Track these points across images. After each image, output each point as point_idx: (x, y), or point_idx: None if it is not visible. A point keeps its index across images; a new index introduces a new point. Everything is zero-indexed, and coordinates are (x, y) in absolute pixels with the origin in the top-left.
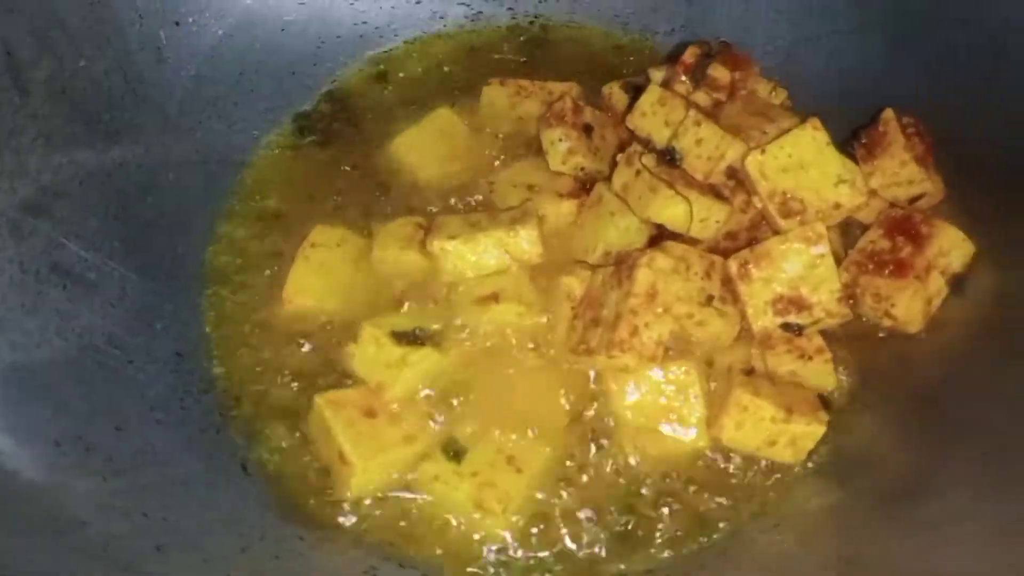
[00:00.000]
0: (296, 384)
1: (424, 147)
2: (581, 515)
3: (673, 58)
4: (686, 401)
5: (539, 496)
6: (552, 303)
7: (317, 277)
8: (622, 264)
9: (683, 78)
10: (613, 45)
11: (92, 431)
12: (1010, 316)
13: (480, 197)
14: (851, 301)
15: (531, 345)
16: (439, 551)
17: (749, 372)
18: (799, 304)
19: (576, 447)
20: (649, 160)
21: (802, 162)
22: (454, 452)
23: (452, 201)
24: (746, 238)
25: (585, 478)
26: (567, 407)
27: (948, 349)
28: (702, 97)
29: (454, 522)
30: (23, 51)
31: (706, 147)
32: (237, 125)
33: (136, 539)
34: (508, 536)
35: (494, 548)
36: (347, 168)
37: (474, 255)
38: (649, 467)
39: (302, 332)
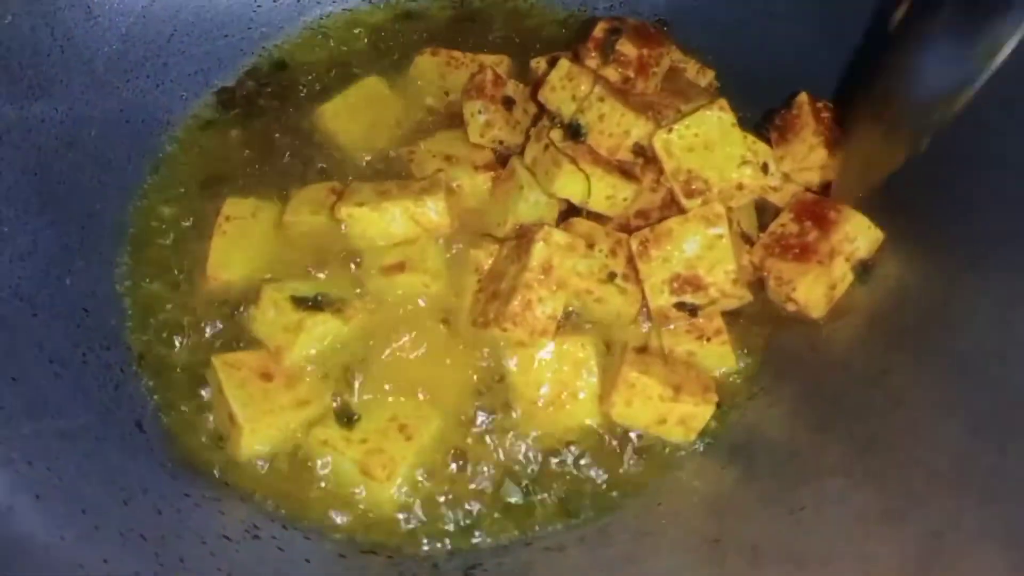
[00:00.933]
0: (200, 345)
1: (350, 115)
2: (469, 485)
3: (584, 34)
4: (580, 377)
5: (426, 465)
6: (460, 275)
7: (237, 250)
8: (522, 238)
9: (593, 53)
10: (552, 20)
11: None
12: (908, 306)
13: (399, 169)
14: (758, 283)
15: (438, 316)
16: (324, 515)
17: (642, 350)
18: (695, 284)
19: (470, 418)
20: (556, 135)
21: (707, 142)
22: (347, 418)
23: (370, 170)
24: (657, 217)
25: (477, 449)
26: (465, 379)
27: (847, 336)
28: (612, 73)
29: (341, 487)
30: None
31: (608, 123)
32: (165, 86)
33: (14, 487)
34: (393, 502)
35: (378, 514)
36: (275, 135)
37: (382, 223)
38: (540, 442)
39: (210, 294)
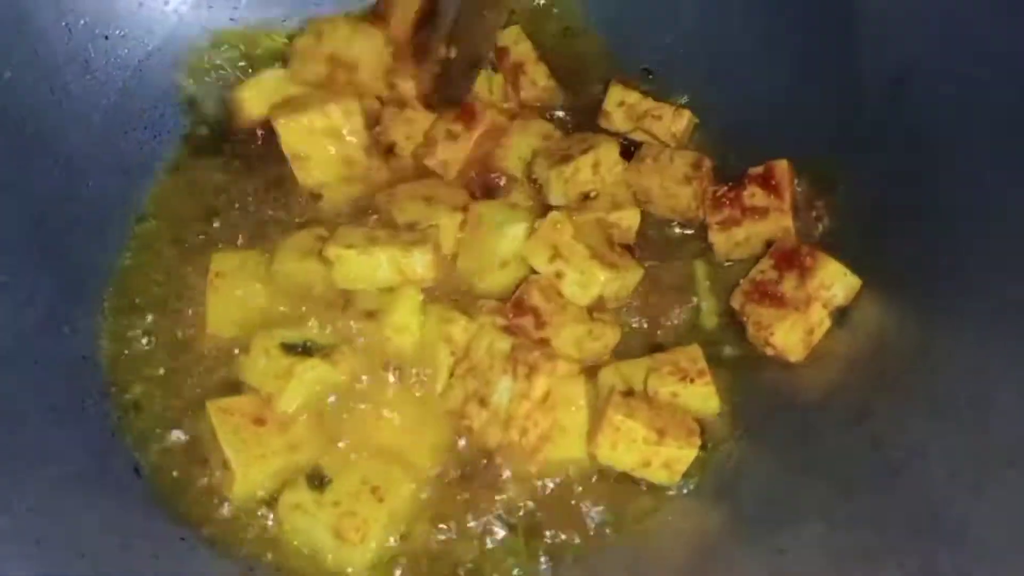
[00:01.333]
0: (195, 392)
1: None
2: (441, 536)
3: None
4: (569, 412)
5: (401, 525)
6: (432, 343)
7: (231, 304)
8: (519, 353)
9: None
10: None
11: None
12: (886, 350)
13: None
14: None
15: (413, 371)
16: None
17: (628, 393)
18: None
19: (448, 472)
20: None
21: None
22: (318, 481)
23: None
24: None
25: (455, 503)
26: (439, 438)
27: (827, 379)
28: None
29: (315, 550)
30: None
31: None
32: (162, 137)
33: (15, 532)
34: (367, 564)
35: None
36: (257, 184)
37: (368, 267)
38: (523, 483)
39: (205, 344)
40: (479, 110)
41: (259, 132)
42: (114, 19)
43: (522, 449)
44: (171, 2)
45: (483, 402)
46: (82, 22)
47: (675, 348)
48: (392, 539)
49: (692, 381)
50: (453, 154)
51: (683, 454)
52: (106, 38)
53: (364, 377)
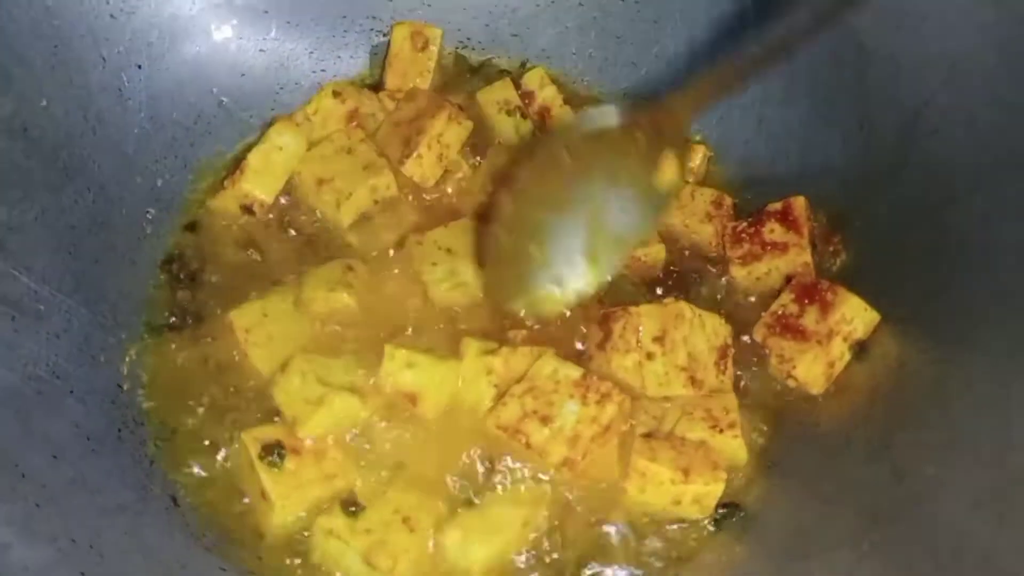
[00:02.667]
0: (232, 420)
1: None
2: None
3: None
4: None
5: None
6: (474, 372)
7: (274, 346)
8: (591, 380)
9: None
10: None
11: (28, 459)
12: (907, 383)
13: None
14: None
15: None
16: None
17: (648, 436)
18: None
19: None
20: None
21: None
22: (352, 507)
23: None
24: None
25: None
26: (471, 466)
27: (849, 412)
28: None
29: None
30: None
31: None
32: (191, 165)
33: (60, 564)
34: None
35: None
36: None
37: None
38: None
39: (240, 371)
40: None
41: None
42: (147, 48)
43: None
44: (201, 33)
45: (545, 420)
46: (117, 50)
47: (711, 394)
48: (423, 570)
49: (722, 431)
50: None
51: (711, 489)
52: (139, 67)
53: (394, 413)
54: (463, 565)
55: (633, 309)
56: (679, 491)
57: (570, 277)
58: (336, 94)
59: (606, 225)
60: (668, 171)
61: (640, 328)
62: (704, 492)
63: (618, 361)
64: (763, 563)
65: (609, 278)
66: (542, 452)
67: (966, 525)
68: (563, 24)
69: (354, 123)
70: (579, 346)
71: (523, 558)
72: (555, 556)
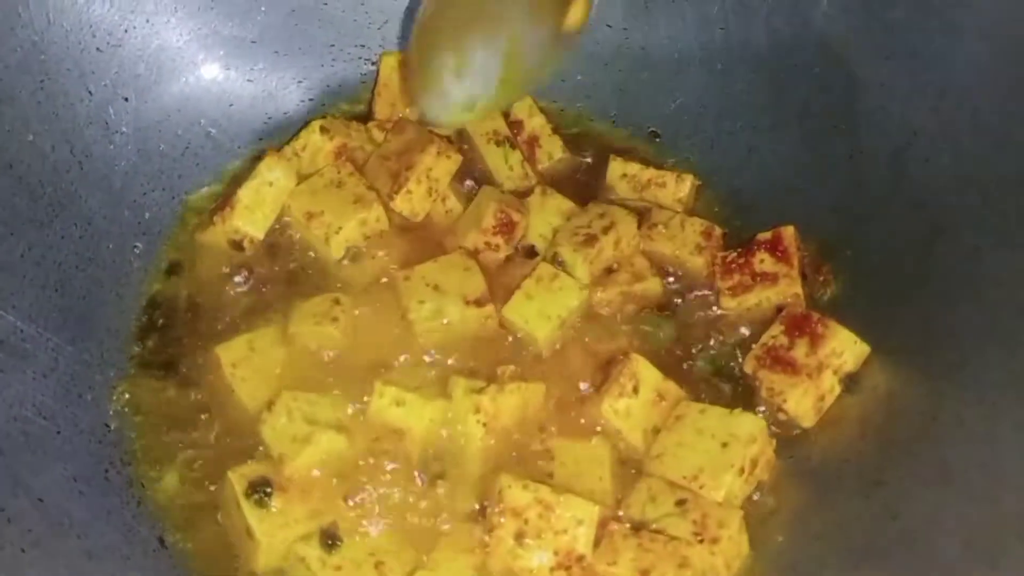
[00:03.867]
0: (219, 458)
1: None
2: None
3: None
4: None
5: None
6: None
7: (260, 381)
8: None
9: None
10: None
11: (13, 503)
12: (896, 416)
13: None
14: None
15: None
16: None
17: (637, 527)
18: None
19: None
20: None
21: None
22: (330, 541)
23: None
24: None
25: None
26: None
27: (840, 446)
28: None
29: None
30: None
31: None
32: (180, 198)
33: None
34: None
35: None
36: None
37: None
38: None
39: (226, 409)
40: (517, 220)
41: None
42: (134, 80)
43: None
44: (189, 65)
45: (520, 536)
46: (104, 83)
47: (713, 502)
48: None
49: (701, 542)
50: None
51: None
52: (126, 100)
53: (378, 455)
54: None
55: (635, 356)
56: None
57: (478, 90)
58: (324, 130)
59: (520, 53)
60: (577, 11)
61: (637, 375)
62: None
63: (609, 403)
64: None
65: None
66: None
67: (960, 566)
68: None
69: (343, 157)
70: (582, 386)
71: None
72: None
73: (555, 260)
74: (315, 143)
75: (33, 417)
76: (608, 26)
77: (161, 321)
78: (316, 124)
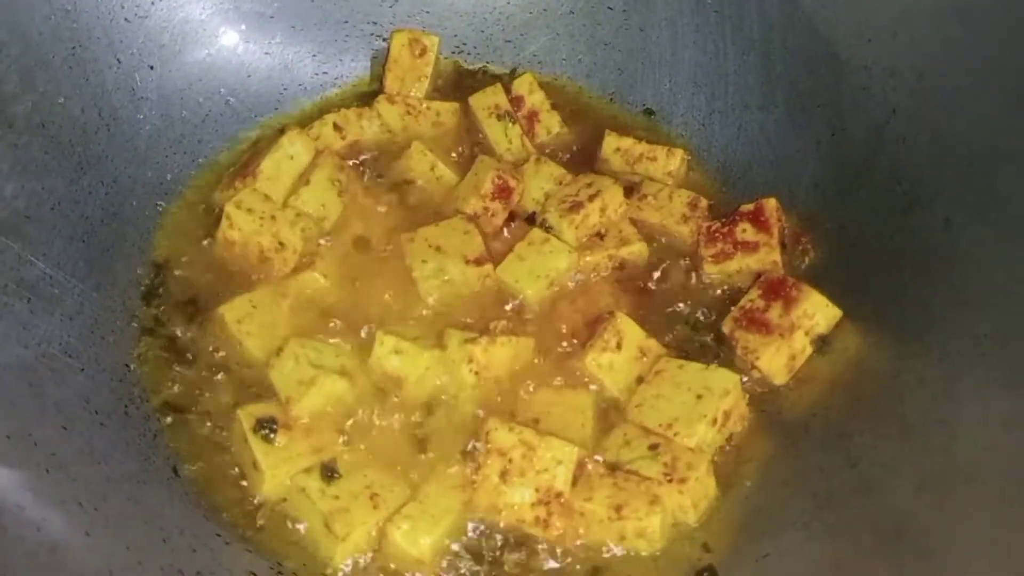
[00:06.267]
0: (228, 398)
1: None
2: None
3: None
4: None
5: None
6: (457, 358)
7: (266, 333)
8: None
9: None
10: None
11: (40, 429)
12: (863, 376)
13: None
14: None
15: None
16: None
17: (612, 467)
18: None
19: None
20: None
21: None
22: (330, 473)
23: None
24: None
25: None
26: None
27: (809, 402)
28: None
29: (308, 533)
30: (8, 87)
31: None
32: (198, 162)
33: (67, 525)
34: (342, 560)
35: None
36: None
37: None
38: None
39: (238, 355)
40: (513, 186)
41: None
42: (159, 50)
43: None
44: (210, 37)
45: (504, 475)
46: (131, 52)
47: (684, 447)
48: (371, 548)
49: (671, 482)
50: (493, 221)
51: (648, 522)
52: (151, 68)
53: (377, 399)
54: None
55: (619, 315)
56: (618, 528)
57: None
58: (337, 128)
59: None
60: None
61: (621, 332)
62: (641, 527)
63: (593, 357)
64: (719, 538)
65: None
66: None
67: (909, 507)
68: (554, 31)
69: (353, 160)
70: (569, 342)
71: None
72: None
73: (543, 225)
74: (327, 136)
75: (60, 355)
76: (609, 8)
77: (177, 274)
78: (331, 119)
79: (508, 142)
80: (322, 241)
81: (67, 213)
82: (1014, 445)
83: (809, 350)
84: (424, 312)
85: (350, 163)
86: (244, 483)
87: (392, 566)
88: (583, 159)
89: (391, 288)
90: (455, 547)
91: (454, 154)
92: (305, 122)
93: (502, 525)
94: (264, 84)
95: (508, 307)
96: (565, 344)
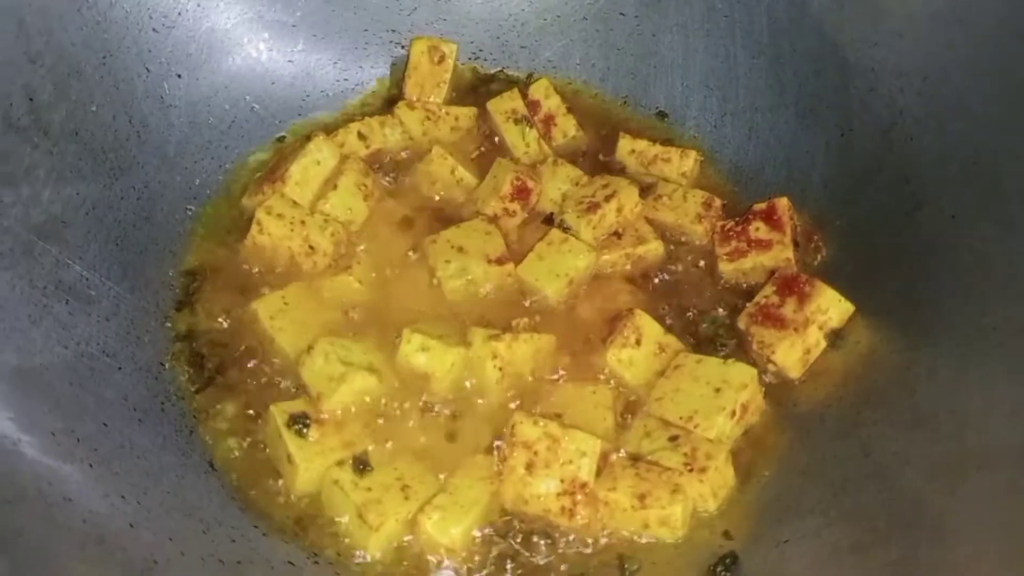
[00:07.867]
0: (262, 395)
1: None
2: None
3: None
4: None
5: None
6: (482, 354)
7: (298, 330)
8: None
9: None
10: None
11: (82, 426)
12: (875, 368)
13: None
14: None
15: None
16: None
17: (635, 458)
18: None
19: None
20: None
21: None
22: (362, 466)
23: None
24: None
25: None
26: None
27: (823, 394)
28: None
29: (342, 525)
30: (43, 96)
31: None
32: (225, 167)
33: (112, 517)
34: (377, 550)
35: (366, 558)
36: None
37: None
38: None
39: (269, 352)
40: (532, 187)
41: None
42: (186, 59)
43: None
44: (235, 46)
45: (530, 467)
46: (160, 61)
47: (703, 440)
48: (405, 536)
49: (691, 471)
50: (512, 222)
51: (670, 511)
52: (179, 76)
53: (405, 394)
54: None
55: (638, 312)
56: (641, 516)
57: None
58: (362, 136)
59: None
60: None
61: (640, 328)
62: (664, 515)
63: (613, 353)
64: (739, 525)
65: None
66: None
67: (922, 494)
68: (568, 37)
69: (377, 165)
70: (590, 338)
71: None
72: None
73: (562, 226)
74: (351, 144)
75: (98, 355)
76: (621, 14)
77: (208, 276)
78: (355, 127)
79: (526, 145)
80: (360, 247)
81: (101, 217)
82: (1022, 433)
83: (823, 344)
84: (448, 311)
85: (375, 166)
86: (277, 478)
87: (424, 554)
88: (599, 161)
89: (416, 288)
90: (484, 535)
91: (473, 157)
92: (328, 127)
93: (528, 515)
94: (288, 91)
95: (529, 305)
96: (585, 341)
